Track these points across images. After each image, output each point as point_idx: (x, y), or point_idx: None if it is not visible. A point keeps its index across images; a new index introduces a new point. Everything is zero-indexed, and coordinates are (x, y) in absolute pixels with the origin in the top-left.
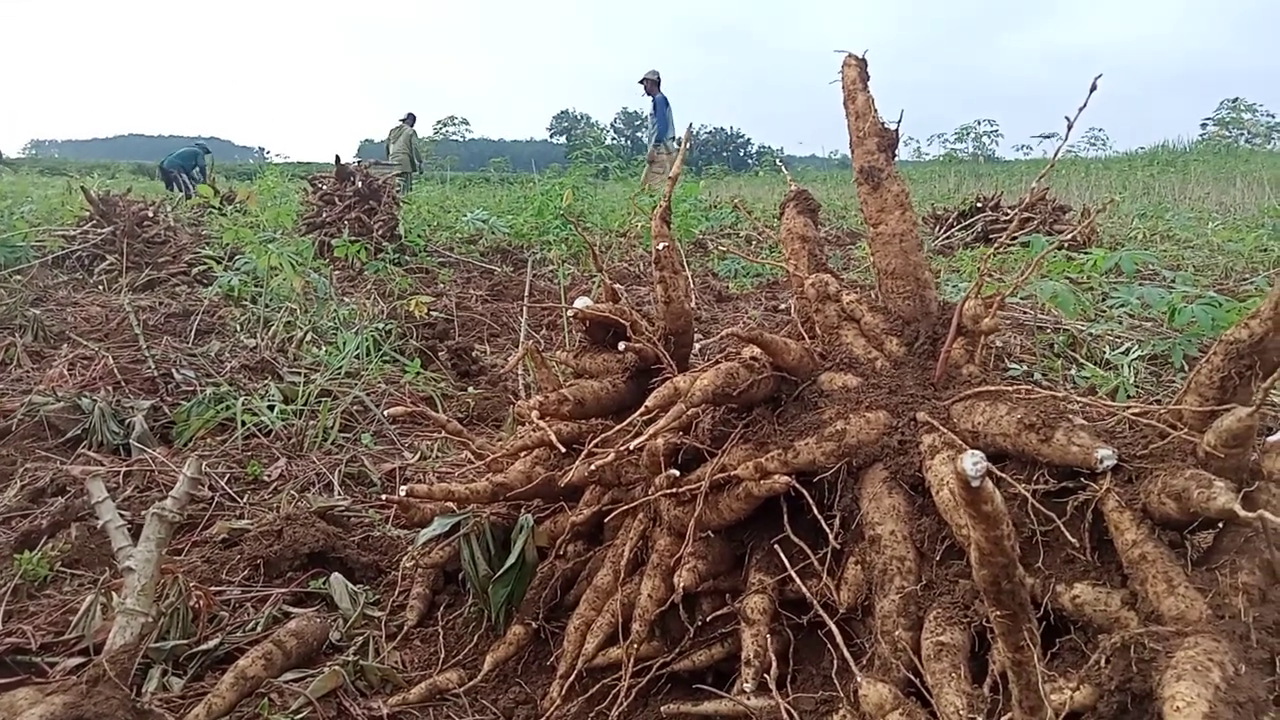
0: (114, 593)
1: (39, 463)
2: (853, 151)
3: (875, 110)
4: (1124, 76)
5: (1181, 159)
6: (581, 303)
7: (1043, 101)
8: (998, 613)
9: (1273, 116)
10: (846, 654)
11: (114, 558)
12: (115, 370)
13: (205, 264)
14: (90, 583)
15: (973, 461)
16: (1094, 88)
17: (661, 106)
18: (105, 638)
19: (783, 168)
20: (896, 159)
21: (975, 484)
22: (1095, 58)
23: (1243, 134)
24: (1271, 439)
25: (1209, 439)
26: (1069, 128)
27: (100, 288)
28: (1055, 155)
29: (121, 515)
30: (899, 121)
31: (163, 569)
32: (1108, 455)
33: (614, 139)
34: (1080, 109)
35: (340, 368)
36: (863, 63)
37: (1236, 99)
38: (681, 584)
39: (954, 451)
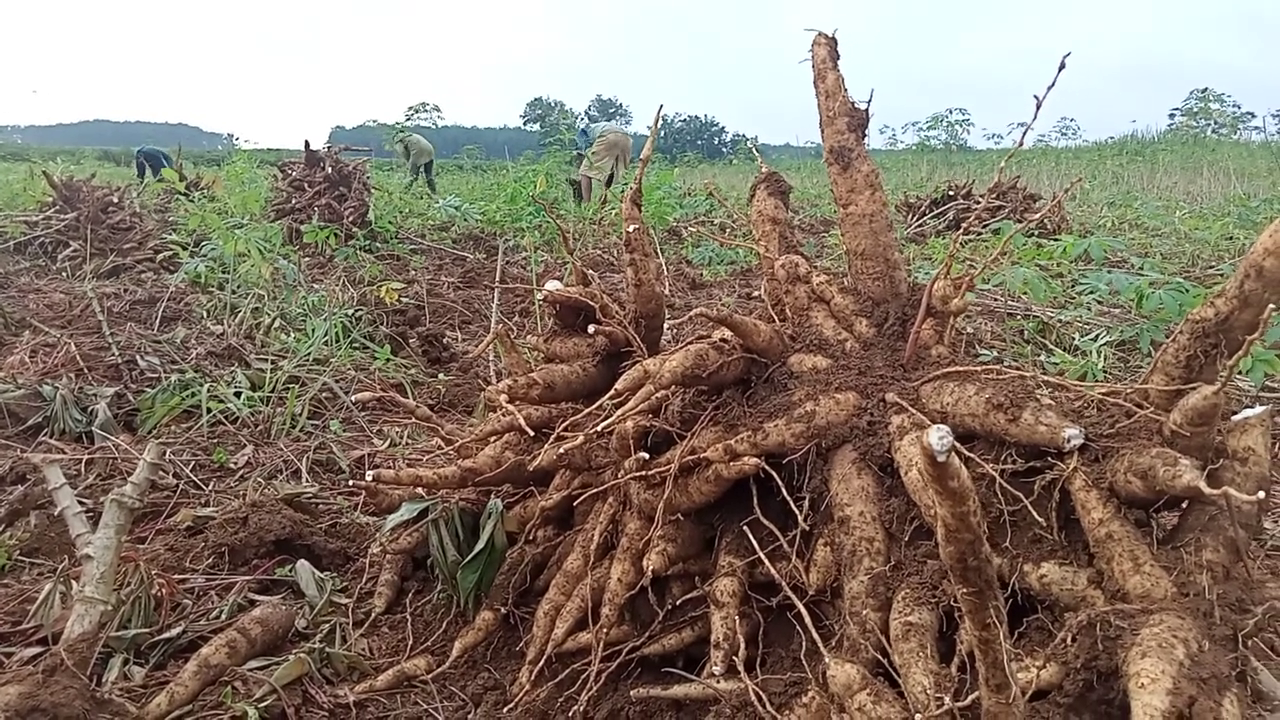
0: (73, 581)
1: None
2: (822, 131)
3: (845, 89)
4: (1093, 71)
5: (1150, 149)
6: (552, 286)
7: (1011, 96)
8: (964, 590)
9: (1239, 107)
10: (815, 635)
11: (73, 545)
12: (78, 357)
13: (171, 250)
14: (49, 571)
15: (938, 436)
16: (1063, 66)
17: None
18: (64, 627)
19: (757, 154)
20: (867, 140)
21: (941, 459)
22: (1063, 53)
23: (1210, 124)
24: (1236, 417)
25: (1175, 417)
26: (1038, 106)
27: (63, 274)
28: (1024, 135)
29: (84, 503)
30: (869, 101)
31: (124, 557)
32: (1075, 434)
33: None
34: (1049, 87)
35: (309, 354)
36: (832, 41)
37: (1205, 89)
38: (651, 567)
39: (922, 431)
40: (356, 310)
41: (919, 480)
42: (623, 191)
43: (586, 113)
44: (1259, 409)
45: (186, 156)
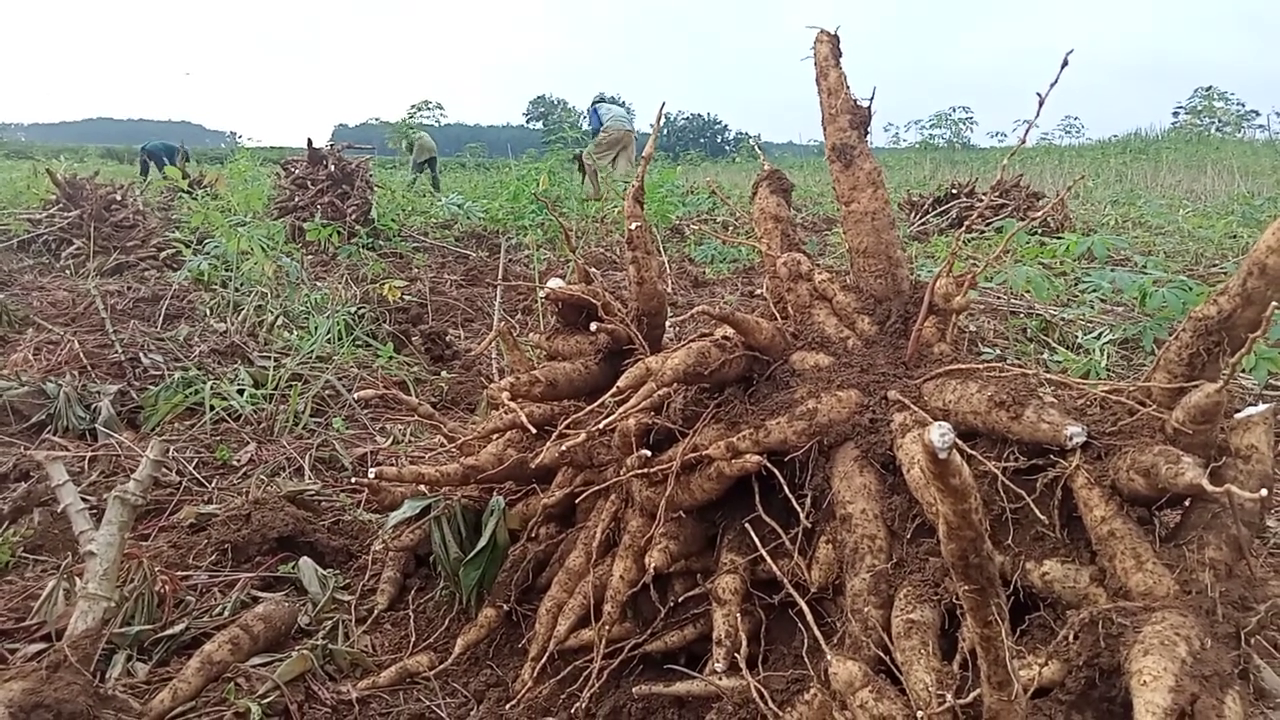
0: (76, 577)
1: (2, 448)
2: (825, 129)
3: (847, 87)
4: (1097, 69)
5: (1154, 147)
6: (554, 283)
7: (1015, 94)
8: (966, 587)
9: (1243, 105)
10: (817, 633)
11: (76, 542)
12: (81, 355)
13: (174, 248)
14: (53, 568)
15: (940, 433)
16: (1066, 63)
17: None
18: (67, 623)
19: (760, 152)
20: (870, 137)
21: (942, 455)
22: (1066, 51)
23: (1214, 122)
24: (1239, 415)
25: (1177, 415)
26: (1040, 103)
27: (67, 272)
28: (1026, 132)
29: (87, 501)
30: (872, 99)
31: (128, 553)
32: (1077, 432)
33: (590, 124)
34: (1052, 84)
35: (311, 352)
36: (835, 39)
37: (1210, 87)
38: (653, 564)
39: (924, 429)
40: (359, 308)
41: (921, 478)
42: (625, 189)
43: (599, 98)
44: (1262, 407)
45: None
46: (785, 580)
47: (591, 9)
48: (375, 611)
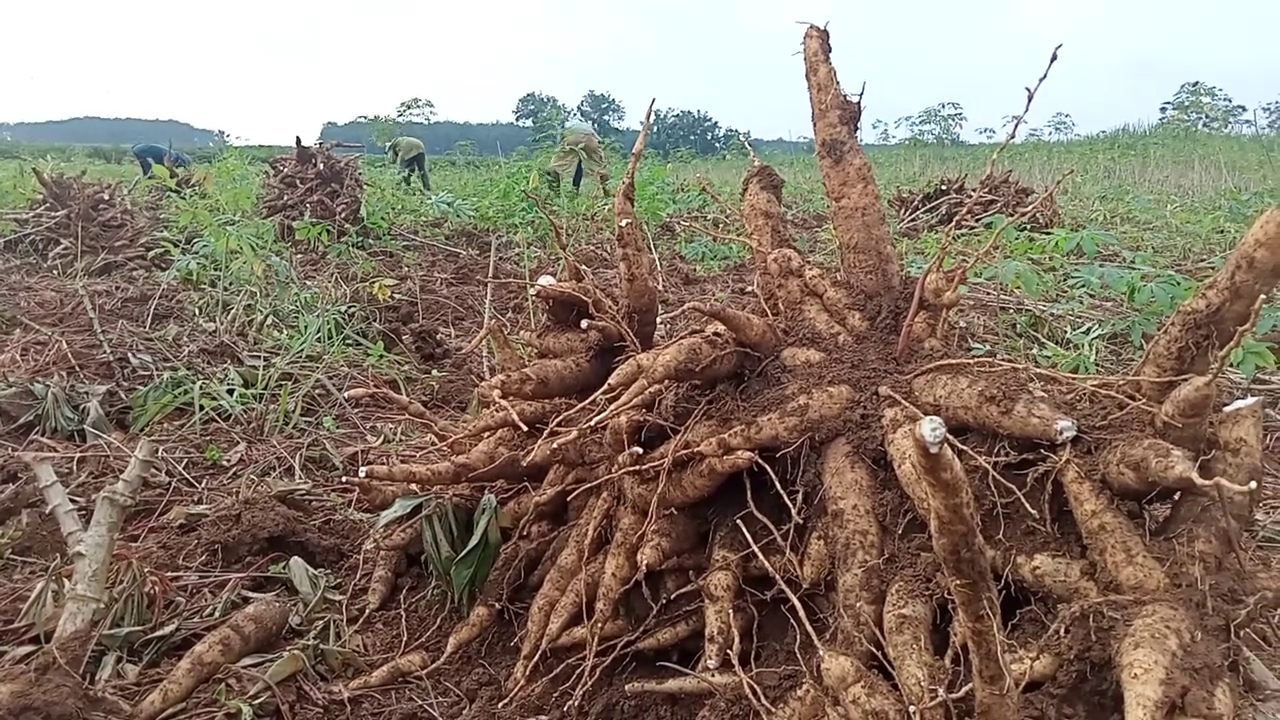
0: (65, 579)
1: None
2: (814, 125)
3: (837, 83)
4: (1087, 65)
5: (1142, 142)
6: (545, 280)
7: (1005, 90)
8: (957, 582)
9: (1230, 101)
10: (809, 629)
11: (65, 543)
12: (69, 355)
13: (163, 247)
14: (41, 569)
15: (931, 427)
16: (1054, 58)
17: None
18: (56, 625)
19: (750, 149)
20: (859, 133)
21: (934, 450)
22: (1056, 47)
23: (1201, 118)
24: (1228, 409)
25: (1167, 409)
26: (1029, 98)
27: (54, 272)
28: (1015, 127)
29: (76, 501)
30: (861, 94)
31: (117, 554)
32: (1067, 426)
33: (580, 122)
34: (1040, 79)
35: (301, 351)
36: (824, 34)
37: (1197, 83)
38: (645, 562)
39: (915, 424)
40: (349, 307)
41: (912, 473)
42: (594, 186)
43: (578, 107)
44: (1250, 400)
45: (176, 152)
46: (777, 576)
47: (588, 8)
48: (367, 611)
